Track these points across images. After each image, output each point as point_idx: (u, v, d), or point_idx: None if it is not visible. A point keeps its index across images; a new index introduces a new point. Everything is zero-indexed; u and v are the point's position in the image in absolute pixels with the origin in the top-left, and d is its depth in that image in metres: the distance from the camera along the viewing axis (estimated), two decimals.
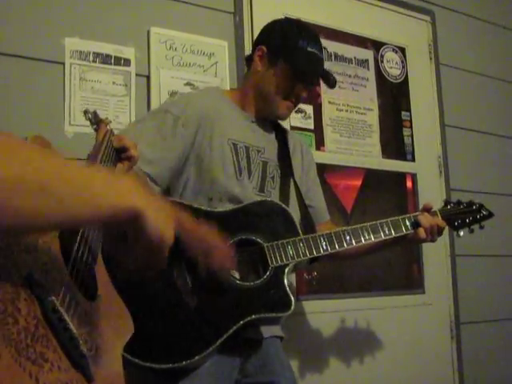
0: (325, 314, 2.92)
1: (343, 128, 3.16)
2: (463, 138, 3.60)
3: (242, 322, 1.85)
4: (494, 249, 3.60)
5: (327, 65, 3.15)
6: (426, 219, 2.19)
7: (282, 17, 2.88)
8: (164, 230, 1.00)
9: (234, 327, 1.83)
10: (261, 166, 2.14)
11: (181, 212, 1.87)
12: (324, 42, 3.13)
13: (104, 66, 2.48)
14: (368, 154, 3.23)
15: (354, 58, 3.29)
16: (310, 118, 3.04)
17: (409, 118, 3.44)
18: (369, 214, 3.32)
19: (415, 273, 3.41)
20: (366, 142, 3.23)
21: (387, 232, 2.15)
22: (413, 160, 3.38)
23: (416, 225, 2.18)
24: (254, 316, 1.87)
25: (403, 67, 3.48)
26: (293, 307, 1.92)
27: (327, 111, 3.12)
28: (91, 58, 2.45)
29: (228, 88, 2.66)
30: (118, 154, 1.68)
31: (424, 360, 3.17)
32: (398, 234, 2.17)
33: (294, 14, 3.05)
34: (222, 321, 1.85)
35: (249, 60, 2.26)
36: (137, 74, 2.56)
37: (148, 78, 2.58)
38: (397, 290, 3.30)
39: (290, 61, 2.12)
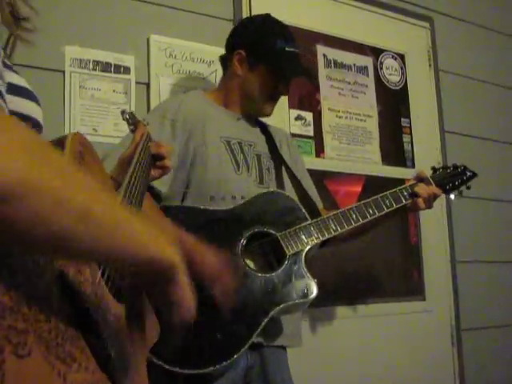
0: (324, 321, 2.91)
1: (343, 135, 3.16)
2: (463, 144, 3.60)
3: (272, 313, 1.89)
4: (495, 255, 3.60)
5: (327, 72, 3.16)
6: (423, 189, 2.28)
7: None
8: (189, 298, 0.97)
9: (266, 319, 1.87)
10: (256, 159, 2.19)
11: (183, 233, 1.87)
12: (323, 49, 3.18)
13: (104, 74, 2.48)
14: (368, 160, 3.23)
15: (354, 64, 3.29)
16: (309, 125, 3.04)
17: (408, 125, 3.44)
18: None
19: (416, 279, 3.40)
20: (366, 148, 3.23)
21: (389, 204, 2.24)
22: (413, 166, 3.38)
23: (414, 195, 2.28)
24: (282, 305, 1.91)
25: (402, 74, 3.48)
26: (316, 291, 1.98)
27: (327, 118, 3.12)
28: (91, 66, 2.45)
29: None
30: (152, 160, 1.67)
31: (425, 367, 3.17)
32: (398, 205, 2.25)
33: (293, 21, 3.06)
34: (252, 316, 1.87)
35: (224, 60, 2.31)
36: (137, 82, 2.56)
37: (148, 85, 2.59)
38: (397, 296, 3.29)
39: (271, 64, 2.20)
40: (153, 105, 2.55)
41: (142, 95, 2.57)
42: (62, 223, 0.72)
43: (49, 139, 1.12)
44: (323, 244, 2.20)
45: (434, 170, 2.45)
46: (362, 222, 2.17)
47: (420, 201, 2.26)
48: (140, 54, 2.59)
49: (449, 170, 2.44)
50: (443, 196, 2.44)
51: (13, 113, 0.90)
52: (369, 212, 2.20)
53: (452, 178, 2.42)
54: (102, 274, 1.02)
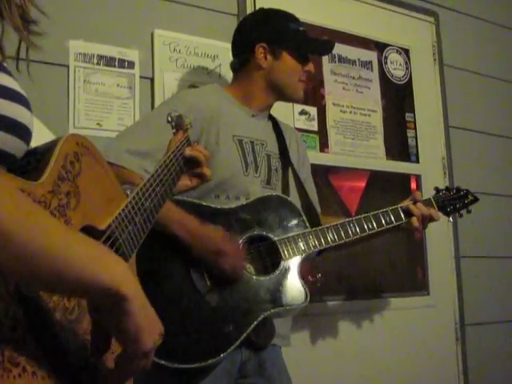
0: (328, 316, 2.92)
1: (347, 130, 3.16)
2: (467, 139, 3.60)
3: (262, 317, 1.91)
4: (499, 250, 3.59)
5: (331, 66, 3.16)
6: (417, 209, 2.30)
7: None
8: (146, 336, 0.89)
9: (256, 322, 1.89)
10: (266, 160, 2.20)
11: (186, 215, 1.88)
12: None
13: (108, 68, 2.48)
14: (372, 155, 3.23)
15: (358, 59, 3.29)
16: (314, 119, 3.04)
17: (413, 120, 3.43)
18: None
19: (420, 275, 3.40)
20: (370, 143, 3.23)
21: (389, 221, 2.26)
22: (417, 161, 3.38)
23: (409, 214, 2.30)
24: (272, 310, 1.93)
25: (407, 68, 3.47)
26: (308, 299, 1.99)
27: (331, 113, 3.12)
28: (95, 61, 2.45)
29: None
30: (187, 166, 1.62)
31: (429, 362, 3.17)
32: (398, 223, 2.28)
33: (298, 15, 3.05)
34: (243, 316, 1.89)
35: (240, 62, 2.31)
36: (141, 77, 2.56)
37: (152, 80, 2.59)
38: (401, 291, 3.29)
39: (292, 47, 2.25)
40: (157, 99, 2.55)
41: (146, 90, 2.57)
42: None
43: (51, 138, 1.12)
44: (319, 252, 2.22)
45: (437, 190, 2.47)
46: (360, 235, 2.20)
47: (414, 220, 2.28)
48: (144, 49, 2.59)
49: (451, 193, 2.47)
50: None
51: (6, 118, 0.88)
52: (368, 226, 2.22)
53: (454, 200, 2.45)
54: None
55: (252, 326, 1.88)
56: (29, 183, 0.88)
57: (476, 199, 2.50)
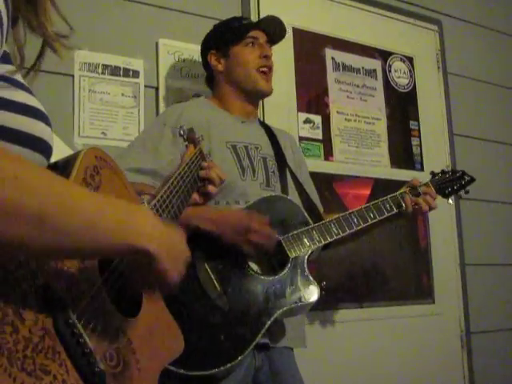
0: (333, 323, 2.91)
1: (352, 138, 3.16)
2: (472, 147, 3.60)
3: (275, 316, 1.91)
4: (504, 258, 3.59)
5: (335, 75, 3.16)
6: (408, 201, 2.28)
7: (290, 28, 2.93)
8: (171, 273, 0.99)
9: (269, 321, 1.89)
10: (262, 162, 2.22)
11: (204, 208, 1.88)
12: (332, 52, 3.19)
13: (113, 77, 2.49)
14: (376, 163, 3.23)
15: (362, 67, 3.29)
16: (318, 128, 3.05)
17: (417, 128, 3.44)
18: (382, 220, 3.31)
19: (425, 282, 3.39)
20: (375, 151, 3.23)
21: (389, 208, 2.27)
22: (421, 169, 3.38)
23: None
24: (285, 308, 1.93)
25: (411, 77, 3.48)
26: (319, 293, 2.00)
27: (335, 121, 3.12)
28: (100, 70, 2.47)
29: None
30: (200, 183, 1.67)
31: (435, 370, 3.16)
32: (398, 210, 2.28)
33: (302, 24, 3.08)
34: (256, 317, 1.89)
35: (209, 76, 2.40)
36: (145, 86, 2.57)
37: (157, 89, 2.60)
38: (406, 299, 3.28)
39: (233, 38, 2.29)
40: (161, 108, 2.56)
41: (151, 99, 2.58)
42: (13, 232, 0.74)
43: (66, 149, 1.13)
44: (325, 247, 2.23)
45: (433, 174, 2.47)
46: (362, 225, 2.20)
47: (409, 205, 2.28)
48: (149, 58, 2.60)
49: (447, 175, 2.46)
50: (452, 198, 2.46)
51: (25, 135, 0.89)
52: (370, 216, 2.22)
53: (450, 182, 2.45)
54: (104, 285, 1.02)
55: (266, 325, 1.88)
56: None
57: (472, 179, 2.50)
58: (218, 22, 2.74)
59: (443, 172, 2.48)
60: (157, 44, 2.62)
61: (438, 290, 3.32)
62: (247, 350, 1.83)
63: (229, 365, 1.79)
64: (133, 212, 0.93)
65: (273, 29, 2.35)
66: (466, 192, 2.49)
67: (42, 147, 0.93)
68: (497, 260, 3.55)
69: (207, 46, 2.37)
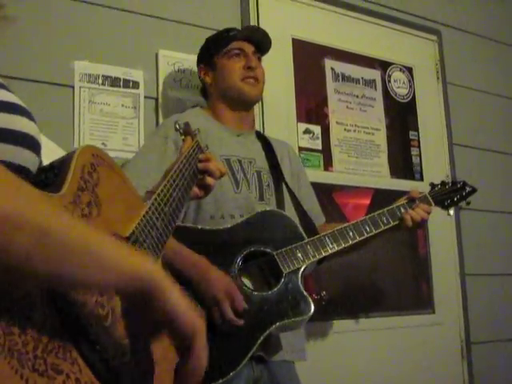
0: (332, 334, 2.91)
1: (351, 148, 3.16)
2: (471, 157, 3.60)
3: (268, 331, 1.89)
4: (504, 267, 3.58)
5: (335, 85, 3.17)
6: (406, 214, 2.26)
7: (289, 38, 2.95)
8: (193, 316, 0.91)
9: (262, 337, 1.88)
10: (256, 176, 2.22)
11: (191, 256, 1.87)
12: (331, 63, 3.19)
13: (113, 88, 2.50)
14: (376, 173, 3.23)
15: (362, 78, 3.30)
16: (317, 138, 3.05)
17: (417, 138, 3.44)
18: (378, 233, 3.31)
19: (424, 292, 3.39)
20: (374, 161, 3.24)
21: (386, 222, 2.25)
22: (421, 179, 3.37)
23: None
24: (278, 323, 1.92)
25: (410, 87, 3.48)
26: (313, 309, 1.98)
27: (335, 132, 3.13)
28: (100, 81, 2.47)
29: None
30: (198, 175, 1.65)
31: (435, 381, 3.15)
32: (394, 223, 2.26)
33: (301, 35, 3.08)
34: (248, 333, 1.88)
35: (203, 89, 2.45)
36: (145, 97, 2.57)
37: (157, 100, 2.60)
38: (406, 309, 3.28)
39: (218, 50, 2.33)
40: (161, 119, 2.56)
41: (151, 109, 2.59)
42: (17, 245, 0.71)
43: (60, 152, 1.13)
44: (321, 261, 2.22)
45: (433, 186, 2.45)
46: (358, 239, 2.19)
47: (407, 220, 2.25)
48: (149, 69, 2.60)
49: (447, 186, 2.45)
50: (452, 209, 2.45)
51: (7, 131, 0.87)
52: (365, 229, 2.21)
53: (450, 193, 2.43)
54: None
55: (259, 340, 1.87)
56: (50, 196, 0.89)
57: (474, 190, 2.47)
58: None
59: (443, 183, 2.46)
60: (157, 55, 2.63)
61: (438, 299, 3.31)
62: (239, 366, 1.82)
63: (221, 380, 1.78)
64: (136, 251, 0.92)
65: (256, 38, 2.36)
66: (468, 203, 2.47)
67: (29, 143, 0.91)
68: (497, 270, 3.55)
69: (198, 59, 2.43)
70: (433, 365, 3.16)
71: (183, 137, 1.76)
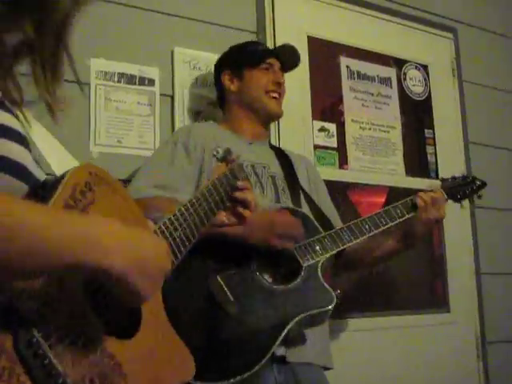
0: (348, 332, 2.90)
1: (366, 146, 3.15)
2: (487, 155, 3.58)
3: (291, 324, 1.88)
4: None
5: (350, 83, 3.16)
6: (420, 199, 2.28)
7: (305, 36, 2.96)
8: (143, 291, 0.93)
9: (285, 330, 1.86)
10: (271, 180, 2.23)
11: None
12: (346, 61, 3.18)
13: (129, 86, 2.50)
14: (392, 172, 3.22)
15: (377, 76, 3.29)
16: (333, 136, 3.04)
17: (432, 136, 3.42)
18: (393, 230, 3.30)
19: (440, 291, 3.38)
20: (390, 160, 3.22)
21: (400, 214, 2.27)
22: (437, 178, 3.35)
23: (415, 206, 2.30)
24: (301, 315, 1.90)
25: (426, 85, 3.47)
26: (335, 300, 1.97)
27: (350, 129, 3.12)
28: (116, 79, 2.48)
29: None
30: (230, 203, 1.62)
31: (450, 380, 3.13)
32: (409, 215, 2.27)
33: (316, 32, 3.08)
34: (271, 327, 1.87)
35: (220, 95, 2.46)
36: (161, 94, 2.58)
37: (172, 97, 2.60)
38: (421, 308, 3.27)
39: (250, 62, 2.36)
40: (177, 116, 2.57)
41: (167, 107, 2.59)
42: None
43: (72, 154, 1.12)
44: (339, 255, 2.24)
45: (443, 180, 2.47)
46: (374, 231, 2.20)
47: (421, 209, 2.26)
48: (164, 66, 2.61)
49: (458, 180, 2.46)
50: (467, 207, 2.45)
51: None
52: (381, 222, 2.22)
53: (462, 187, 2.44)
54: (92, 303, 0.98)
55: (282, 334, 1.85)
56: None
57: (484, 183, 2.49)
58: (232, 30, 2.76)
59: (453, 178, 2.47)
60: (172, 52, 2.63)
61: (454, 298, 3.30)
62: (264, 359, 1.80)
63: (247, 373, 1.76)
64: (92, 225, 0.88)
65: (288, 58, 2.43)
66: (479, 197, 2.48)
67: (14, 169, 0.90)
68: None
69: (222, 65, 2.43)
70: (448, 364, 3.15)
71: (218, 163, 1.73)
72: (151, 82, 2.55)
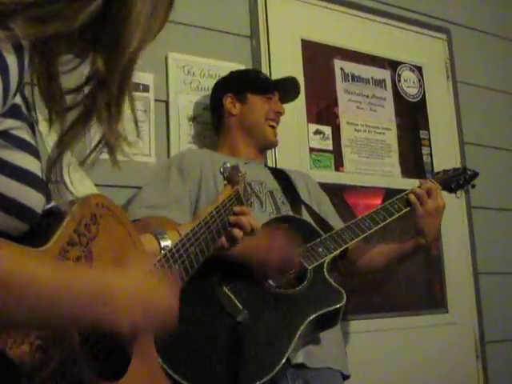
0: (346, 335, 2.90)
1: (362, 148, 3.16)
2: (483, 155, 3.58)
3: (304, 325, 1.88)
4: None
5: (345, 85, 3.17)
6: (412, 194, 2.28)
7: (299, 39, 2.95)
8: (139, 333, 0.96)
9: (299, 332, 1.86)
10: (269, 195, 2.25)
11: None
12: (340, 63, 3.19)
13: None
14: (387, 173, 3.23)
15: (371, 78, 3.29)
16: (328, 138, 3.05)
17: (427, 137, 3.43)
18: (389, 232, 3.30)
19: (438, 292, 3.38)
20: (385, 161, 3.23)
21: (397, 209, 2.28)
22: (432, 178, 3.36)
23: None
24: (313, 315, 1.91)
25: (420, 86, 3.47)
26: (345, 297, 1.98)
27: (346, 132, 3.12)
28: None
29: None
30: (229, 226, 1.62)
31: (449, 380, 3.13)
32: (406, 209, 2.28)
33: (310, 35, 3.08)
34: (284, 331, 1.86)
35: (216, 119, 2.47)
36: (155, 100, 2.58)
37: (167, 103, 2.60)
38: (419, 309, 3.27)
39: (255, 87, 2.41)
40: (172, 122, 2.57)
41: (161, 113, 2.59)
42: None
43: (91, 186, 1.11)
44: (342, 256, 2.25)
45: (435, 174, 2.52)
46: (374, 228, 2.22)
47: (417, 203, 2.26)
48: (159, 72, 2.61)
49: (450, 172, 2.48)
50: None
51: (13, 202, 0.85)
52: (380, 218, 2.24)
53: (454, 177, 2.46)
54: (83, 345, 0.98)
55: (296, 336, 1.85)
56: (32, 250, 0.86)
57: (476, 173, 2.50)
58: (226, 35, 2.76)
59: (445, 171, 2.50)
60: (166, 58, 2.63)
61: (452, 299, 3.30)
62: (282, 361, 1.79)
63: (267, 377, 1.75)
64: (105, 284, 0.88)
65: (288, 91, 2.50)
66: (473, 186, 2.51)
67: (27, 216, 0.88)
68: (510, 268, 3.53)
69: (226, 87, 2.45)
70: (447, 364, 3.15)
71: (225, 182, 1.73)
72: (145, 88, 2.55)
